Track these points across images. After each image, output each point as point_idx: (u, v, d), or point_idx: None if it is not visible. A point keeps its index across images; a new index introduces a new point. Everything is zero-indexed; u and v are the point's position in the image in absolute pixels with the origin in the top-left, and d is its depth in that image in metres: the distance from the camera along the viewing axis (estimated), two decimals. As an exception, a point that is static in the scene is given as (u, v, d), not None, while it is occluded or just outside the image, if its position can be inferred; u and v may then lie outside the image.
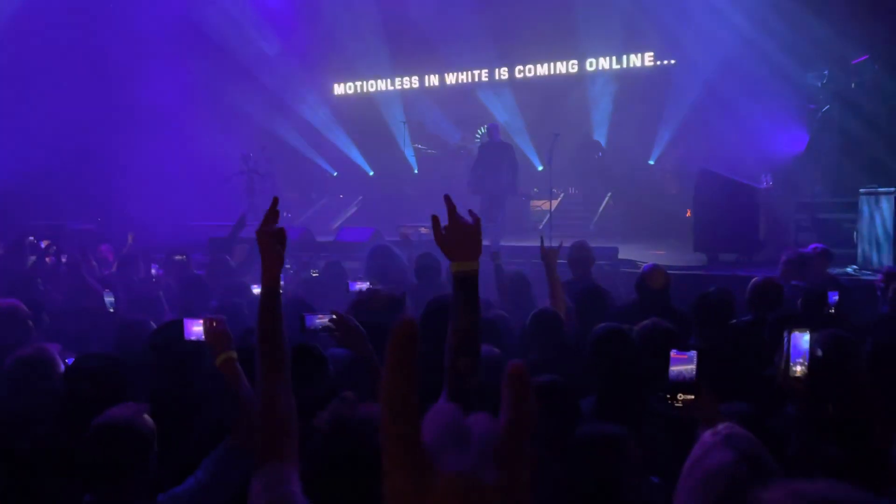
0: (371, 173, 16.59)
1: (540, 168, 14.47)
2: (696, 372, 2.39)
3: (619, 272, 7.86)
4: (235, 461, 2.28)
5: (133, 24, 14.18)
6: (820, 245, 6.16)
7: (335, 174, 17.00)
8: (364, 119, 16.35)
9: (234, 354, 2.49)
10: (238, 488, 2.25)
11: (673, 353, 2.43)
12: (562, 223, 12.21)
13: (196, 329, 2.67)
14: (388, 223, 10.91)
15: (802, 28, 10.23)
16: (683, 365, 2.39)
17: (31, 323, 3.81)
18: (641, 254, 9.17)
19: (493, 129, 10.55)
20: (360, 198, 15.68)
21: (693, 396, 2.32)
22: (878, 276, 5.47)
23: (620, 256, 8.70)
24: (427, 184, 14.48)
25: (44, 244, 7.07)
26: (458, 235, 1.98)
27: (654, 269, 4.70)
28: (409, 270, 5.86)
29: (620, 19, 13.55)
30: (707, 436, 1.76)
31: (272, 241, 1.96)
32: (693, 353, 2.43)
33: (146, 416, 2.17)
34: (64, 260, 5.45)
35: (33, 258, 6.37)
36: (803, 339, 2.56)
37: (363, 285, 5.28)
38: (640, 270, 4.99)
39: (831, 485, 1.34)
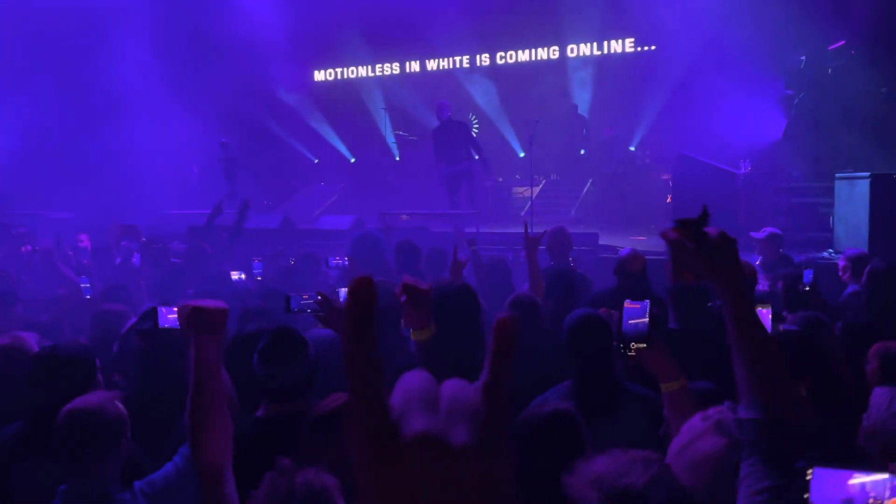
0: (352, 160, 16.52)
1: (521, 154, 14.46)
2: (649, 321, 2.42)
3: (599, 258, 7.90)
4: None
5: (106, 8, 13.96)
6: (770, 228, 6.30)
7: (316, 161, 16.91)
8: (344, 105, 16.26)
9: None
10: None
11: (626, 304, 2.45)
12: (543, 209, 12.23)
13: (171, 317, 2.66)
14: (369, 210, 10.88)
15: (780, 14, 10.29)
16: (637, 317, 2.41)
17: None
18: (622, 240, 9.22)
19: (441, 108, 10.01)
20: (342, 185, 15.60)
21: (645, 345, 2.35)
22: (840, 257, 5.54)
23: (601, 242, 8.74)
24: (409, 170, 14.44)
25: (21, 231, 6.98)
26: (412, 303, 2.04)
27: (632, 253, 4.73)
28: (390, 257, 5.89)
29: (601, 5, 13.54)
30: (697, 420, 1.81)
31: (198, 323, 1.82)
32: (646, 303, 2.46)
33: (117, 403, 2.16)
34: (37, 249, 5.42)
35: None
36: (764, 315, 2.58)
37: (341, 261, 5.34)
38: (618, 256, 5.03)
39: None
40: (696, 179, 8.59)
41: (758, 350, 1.27)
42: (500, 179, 14.09)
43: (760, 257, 6.10)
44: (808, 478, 1.38)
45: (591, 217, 12.16)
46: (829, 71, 9.79)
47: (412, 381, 0.52)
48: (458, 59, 15.87)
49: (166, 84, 14.20)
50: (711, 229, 1.33)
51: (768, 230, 6.24)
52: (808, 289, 4.38)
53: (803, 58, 10.03)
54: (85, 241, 8.10)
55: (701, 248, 1.31)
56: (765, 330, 1.27)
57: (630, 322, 2.43)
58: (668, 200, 10.56)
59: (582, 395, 2.71)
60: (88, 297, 4.95)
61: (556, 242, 5.66)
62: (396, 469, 0.48)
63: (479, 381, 0.52)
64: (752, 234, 6.30)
